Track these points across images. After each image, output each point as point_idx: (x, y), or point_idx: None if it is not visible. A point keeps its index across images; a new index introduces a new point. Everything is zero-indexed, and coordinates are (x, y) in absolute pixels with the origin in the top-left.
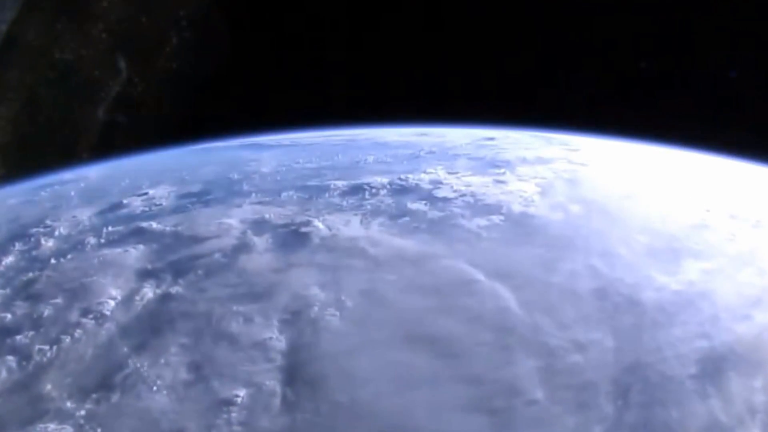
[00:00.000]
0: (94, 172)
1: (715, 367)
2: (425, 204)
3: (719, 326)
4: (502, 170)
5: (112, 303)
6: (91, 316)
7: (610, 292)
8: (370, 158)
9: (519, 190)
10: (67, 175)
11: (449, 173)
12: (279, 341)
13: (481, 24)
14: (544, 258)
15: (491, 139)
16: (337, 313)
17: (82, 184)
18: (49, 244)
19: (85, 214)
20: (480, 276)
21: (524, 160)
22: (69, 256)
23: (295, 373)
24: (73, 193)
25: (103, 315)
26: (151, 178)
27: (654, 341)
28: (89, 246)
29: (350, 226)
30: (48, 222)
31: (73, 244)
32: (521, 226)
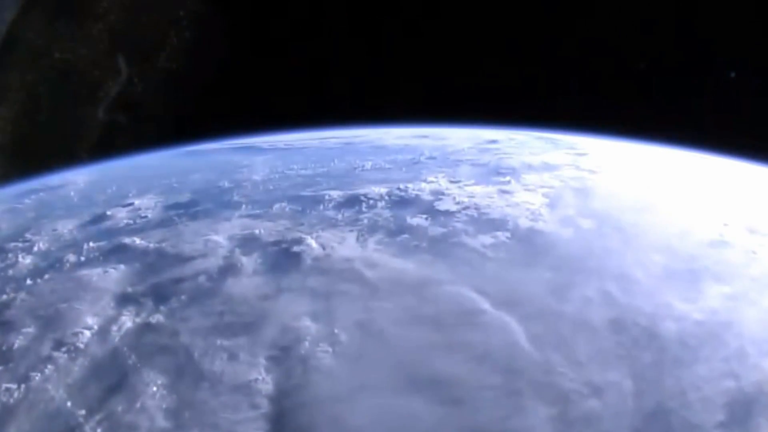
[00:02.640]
0: (82, 177)
1: (744, 412)
2: (426, 218)
3: (746, 362)
4: (507, 178)
5: (87, 333)
6: (64, 349)
7: (626, 323)
8: (368, 164)
9: (525, 201)
10: (55, 179)
11: (451, 182)
12: (265, 383)
13: (481, 24)
14: (554, 282)
15: (494, 141)
16: (330, 350)
17: (68, 191)
18: (26, 261)
19: (67, 227)
20: (486, 305)
21: (530, 167)
22: (46, 276)
23: (283, 422)
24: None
25: (77, 348)
26: (139, 185)
27: (676, 382)
28: (68, 264)
29: (345, 245)
30: (28, 235)
31: (52, 262)
32: (529, 244)
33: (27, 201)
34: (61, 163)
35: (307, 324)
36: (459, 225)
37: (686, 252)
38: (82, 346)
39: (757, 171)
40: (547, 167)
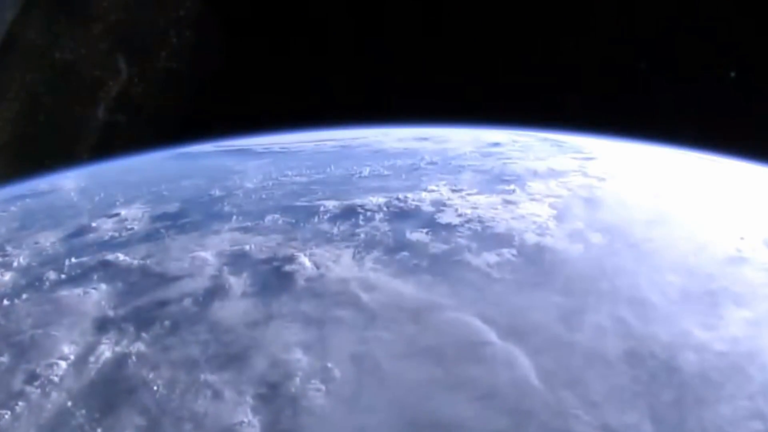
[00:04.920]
0: (72, 181)
1: None
2: (427, 233)
3: None
4: (512, 187)
5: (63, 365)
6: (37, 383)
7: (643, 354)
8: (366, 170)
9: (531, 213)
10: (44, 184)
11: (453, 191)
12: (252, 427)
13: (482, 25)
14: (564, 308)
15: (497, 144)
16: (323, 387)
17: (55, 198)
18: (5, 278)
19: (50, 239)
20: (492, 335)
21: (535, 174)
22: (24, 296)
23: None
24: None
25: (51, 381)
26: (128, 192)
27: (699, 424)
28: (48, 283)
29: (341, 263)
30: (8, 249)
31: (31, 280)
32: (536, 262)
33: (12, 208)
34: (61, 163)
35: (299, 357)
36: (462, 241)
37: (703, 271)
38: (56, 379)
39: (758, 171)
40: (554, 174)
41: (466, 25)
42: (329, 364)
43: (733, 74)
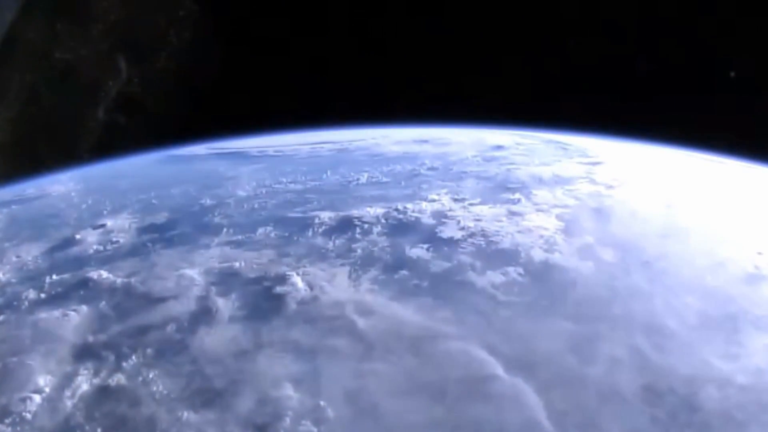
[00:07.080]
0: (61, 186)
1: None
2: (427, 249)
3: None
4: (517, 195)
5: (37, 399)
6: (8, 420)
7: (661, 390)
8: (364, 177)
9: (538, 226)
10: (31, 189)
11: (455, 200)
12: None
13: (483, 24)
14: (576, 336)
15: (500, 148)
16: (315, 430)
17: (42, 205)
18: None
19: (32, 253)
20: (498, 368)
21: (541, 181)
22: (0, 318)
23: None
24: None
25: (23, 419)
26: (116, 200)
27: None
28: (26, 302)
29: (336, 284)
30: None
31: (9, 299)
32: (545, 282)
33: None
34: (61, 164)
35: (289, 393)
36: (464, 258)
37: (721, 292)
38: (29, 416)
39: (760, 173)
40: (560, 181)
41: (467, 25)
42: (322, 402)
43: (733, 74)
